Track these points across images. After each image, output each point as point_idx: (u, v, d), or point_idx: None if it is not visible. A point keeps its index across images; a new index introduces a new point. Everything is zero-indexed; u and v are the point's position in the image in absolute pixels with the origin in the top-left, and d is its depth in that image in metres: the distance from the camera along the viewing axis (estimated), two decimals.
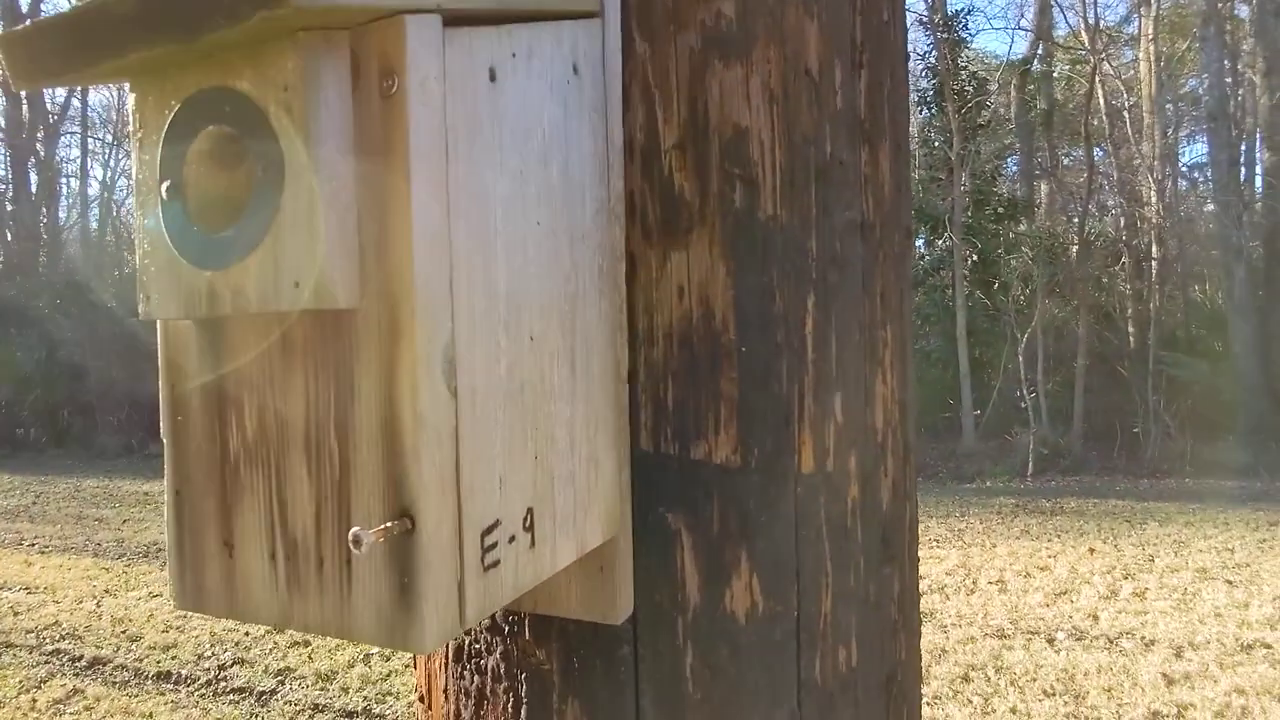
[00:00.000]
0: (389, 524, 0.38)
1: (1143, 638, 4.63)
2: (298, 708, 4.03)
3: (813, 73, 0.62)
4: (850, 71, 0.65)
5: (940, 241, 13.67)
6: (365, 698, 4.14)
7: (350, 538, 0.37)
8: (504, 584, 0.45)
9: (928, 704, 3.95)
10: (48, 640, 4.90)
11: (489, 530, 0.43)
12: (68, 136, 21.31)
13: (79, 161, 22.00)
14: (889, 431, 0.69)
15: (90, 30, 0.37)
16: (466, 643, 0.67)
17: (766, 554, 0.62)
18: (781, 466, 0.62)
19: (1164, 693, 3.89)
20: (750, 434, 0.61)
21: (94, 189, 22.12)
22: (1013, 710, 3.80)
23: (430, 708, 0.74)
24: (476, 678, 0.66)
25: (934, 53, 13.57)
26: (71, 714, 3.96)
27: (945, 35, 13.21)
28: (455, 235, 0.41)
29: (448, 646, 0.70)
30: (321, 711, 4.00)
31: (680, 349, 0.60)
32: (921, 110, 14.62)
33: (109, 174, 22.11)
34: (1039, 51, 15.38)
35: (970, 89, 13.52)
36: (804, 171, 0.62)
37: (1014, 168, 16.05)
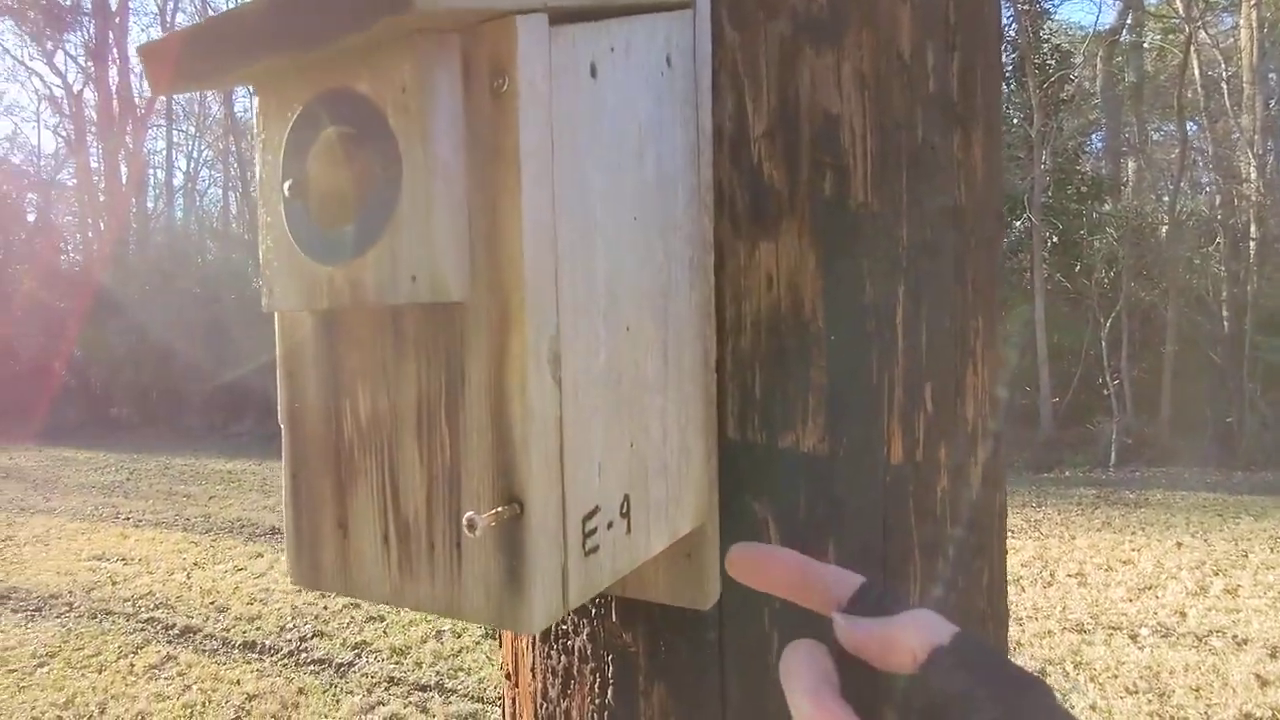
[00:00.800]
0: (500, 509, 0.39)
1: (1234, 636, 4.42)
2: (374, 680, 4.20)
3: (905, 56, 0.61)
4: (944, 54, 0.63)
5: (1018, 223, 13.19)
6: (438, 672, 4.28)
7: (465, 521, 0.38)
8: (603, 568, 0.46)
9: None
10: (143, 609, 5.21)
11: (589, 516, 0.45)
12: (154, 129, 22.36)
13: (165, 153, 23.10)
14: (979, 421, 0.68)
15: (223, 40, 0.40)
16: (554, 624, 0.69)
17: (854, 543, 0.61)
18: (870, 456, 0.62)
19: (1257, 694, 3.71)
20: (839, 423, 0.61)
21: (178, 179, 23.18)
22: (1093, 707, 3.68)
23: (517, 685, 0.76)
24: (564, 657, 0.68)
25: (1014, 25, 13.03)
26: (165, 679, 4.21)
27: (1026, 7, 12.66)
28: (560, 229, 0.42)
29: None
30: (396, 684, 4.16)
31: (769, 338, 0.60)
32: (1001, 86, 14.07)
33: (192, 165, 23.13)
34: (1128, 21, 14.61)
35: (1053, 63, 12.93)
36: (895, 158, 0.61)
37: (1099, 144, 15.34)
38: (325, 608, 5.14)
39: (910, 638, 0.34)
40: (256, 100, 0.45)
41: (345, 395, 0.45)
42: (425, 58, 0.39)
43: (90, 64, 20.55)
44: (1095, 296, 12.13)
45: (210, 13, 21.51)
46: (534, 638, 0.72)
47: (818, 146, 0.59)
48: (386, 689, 4.11)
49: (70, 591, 5.54)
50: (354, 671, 4.30)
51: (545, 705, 0.71)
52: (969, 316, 0.66)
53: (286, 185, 0.42)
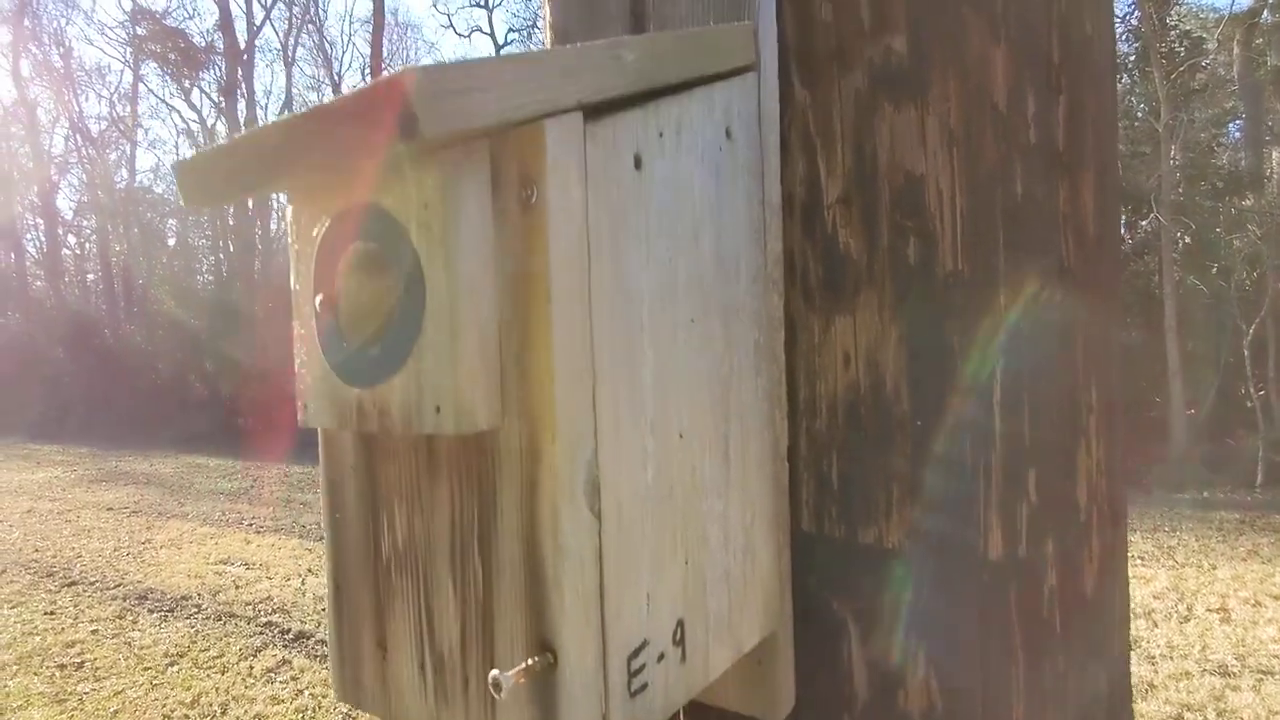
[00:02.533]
0: (530, 661, 0.36)
1: None
2: None
3: (999, 105, 0.54)
4: (1046, 98, 0.56)
5: (1144, 223, 12.30)
6: None
7: (490, 681, 0.35)
8: (653, 707, 0.42)
9: None
10: (262, 613, 5.50)
11: (636, 653, 0.41)
12: None
13: None
14: (1094, 507, 0.60)
15: (245, 160, 0.38)
16: None
17: (947, 649, 0.55)
18: (965, 552, 0.55)
19: None
20: (928, 516, 0.55)
21: None
22: None
23: None
24: None
25: (1136, 13, 12.21)
26: (281, 682, 4.42)
27: None
28: (598, 342, 0.38)
29: None
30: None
31: (846, 421, 0.55)
32: (1122, 78, 13.22)
33: None
34: (1269, 0, 13.41)
35: (1181, 50, 12.01)
36: (989, 218, 0.54)
37: (1236, 135, 14.13)
38: None
39: None
40: (289, 210, 0.44)
41: (384, 511, 0.44)
42: (450, 170, 0.36)
43: (221, 99, 22.22)
44: (1235, 300, 11.14)
45: (325, 47, 22.84)
46: None
47: (899, 210, 0.54)
48: None
49: (199, 594, 5.92)
50: None
51: None
52: (1080, 390, 0.59)
53: (317, 299, 0.41)
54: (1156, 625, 4.92)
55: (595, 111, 0.38)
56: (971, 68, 0.54)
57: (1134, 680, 4.09)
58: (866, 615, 0.55)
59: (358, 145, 0.33)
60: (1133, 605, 5.22)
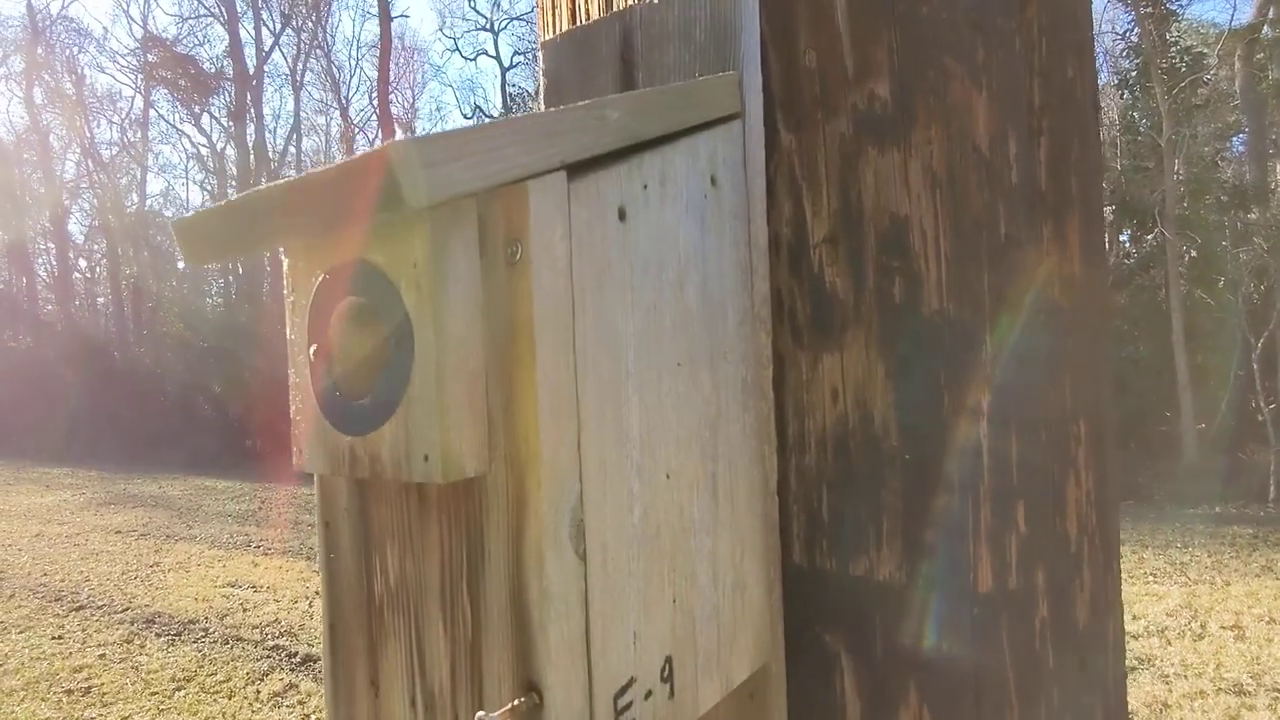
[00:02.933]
0: (516, 702, 0.37)
1: None
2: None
3: (982, 148, 0.56)
4: (1028, 141, 0.57)
5: (1150, 237, 12.28)
6: None
7: None
8: None
9: None
10: (269, 636, 5.49)
11: (622, 691, 0.42)
12: (284, 179, 24.10)
13: None
14: (1084, 539, 0.60)
15: (244, 219, 0.40)
16: None
17: (940, 682, 0.56)
18: (955, 585, 0.56)
19: None
20: (917, 549, 0.55)
21: None
22: None
23: None
24: None
25: (1136, 29, 12.26)
26: (287, 706, 4.41)
27: (1150, 9, 11.89)
28: (584, 391, 0.39)
29: None
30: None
31: (836, 456, 0.56)
32: (1123, 94, 13.24)
33: None
34: (1269, 15, 13.46)
35: (1183, 65, 12.05)
36: (974, 259, 0.56)
37: (1240, 149, 14.13)
38: None
39: None
40: (286, 263, 0.45)
41: (376, 552, 0.45)
42: (439, 229, 0.38)
43: (231, 124, 22.49)
44: (1243, 313, 11.10)
45: (333, 72, 23.13)
46: None
47: (884, 250, 0.55)
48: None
49: (206, 617, 5.91)
50: None
51: None
52: (1068, 422, 0.60)
53: (311, 350, 0.42)
54: (1170, 643, 4.87)
55: (579, 168, 0.40)
56: (953, 112, 0.55)
57: (1148, 699, 4.04)
58: (859, 647, 0.56)
59: (348, 211, 0.34)
60: (1145, 623, 5.17)
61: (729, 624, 0.50)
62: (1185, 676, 4.39)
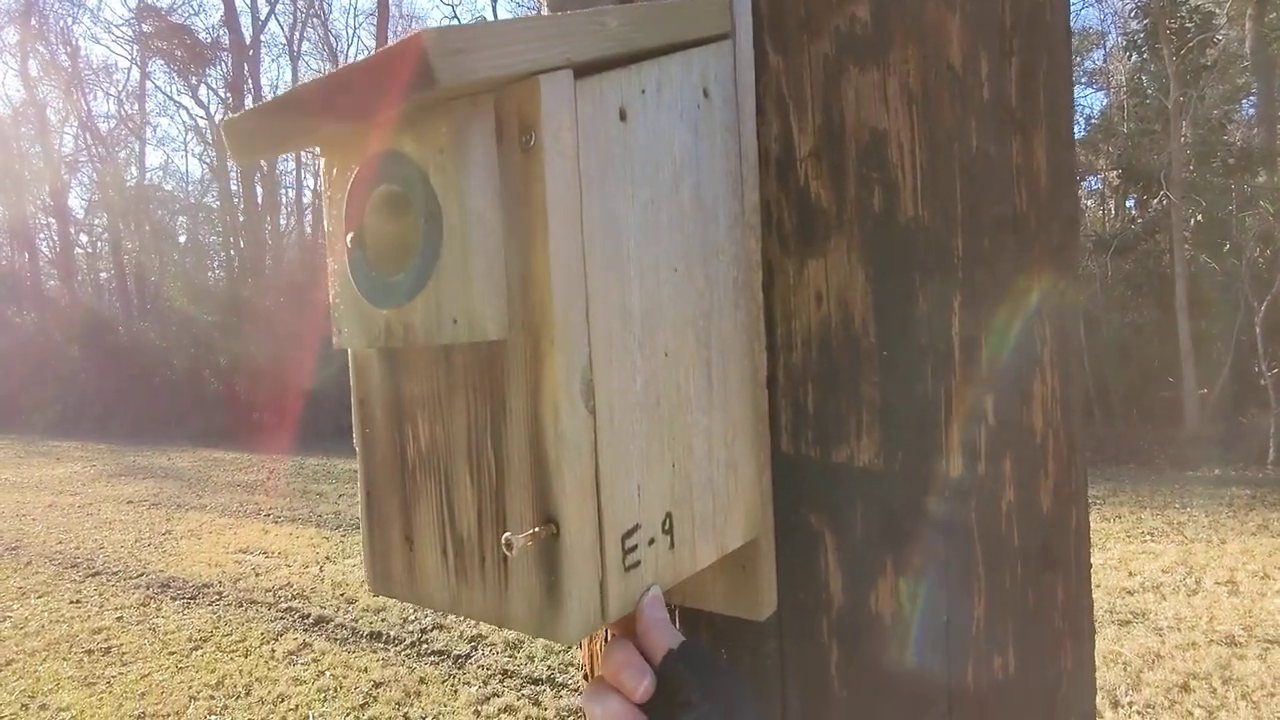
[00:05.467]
0: (536, 529, 0.43)
1: None
2: (489, 672, 4.37)
3: (955, 67, 0.60)
4: (999, 61, 0.62)
5: (1155, 201, 12.22)
6: (549, 667, 4.41)
7: (503, 542, 0.42)
8: (644, 582, 0.49)
9: (1138, 713, 3.61)
10: (282, 599, 5.62)
11: (629, 534, 0.47)
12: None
13: (294, 173, 24.75)
14: (1049, 433, 0.66)
15: (287, 115, 0.45)
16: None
17: (914, 557, 0.61)
18: (928, 470, 0.61)
19: None
20: (894, 437, 0.61)
21: (307, 197, 24.77)
22: None
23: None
24: None
25: None
26: (302, 664, 4.53)
27: None
28: (591, 267, 0.44)
29: (607, 630, 0.75)
30: (510, 677, 4.32)
31: (820, 354, 0.61)
32: (1131, 56, 13.10)
33: (319, 182, 24.66)
34: None
35: (1191, 26, 11.88)
36: (947, 169, 0.60)
37: (1249, 112, 13.99)
38: None
39: (656, 639, 0.50)
40: (322, 160, 0.50)
41: (407, 423, 0.50)
42: (460, 120, 0.43)
43: (229, 94, 22.34)
44: (1247, 279, 11.08)
45: (330, 41, 22.90)
46: (607, 639, 0.75)
47: (864, 163, 0.60)
48: (501, 681, 4.28)
49: (220, 581, 6.04)
50: (471, 663, 4.49)
51: None
52: (1035, 325, 0.65)
53: (349, 237, 0.47)
54: (1164, 598, 4.97)
55: (584, 70, 0.44)
56: (928, 33, 0.60)
57: (1141, 649, 4.13)
58: (840, 527, 0.61)
59: (382, 97, 0.39)
60: (1141, 579, 5.27)
61: (723, 496, 0.56)
62: (1178, 629, 4.49)
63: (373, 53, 0.39)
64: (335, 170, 0.49)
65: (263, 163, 21.76)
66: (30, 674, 4.51)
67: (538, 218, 0.42)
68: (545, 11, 0.70)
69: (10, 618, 5.44)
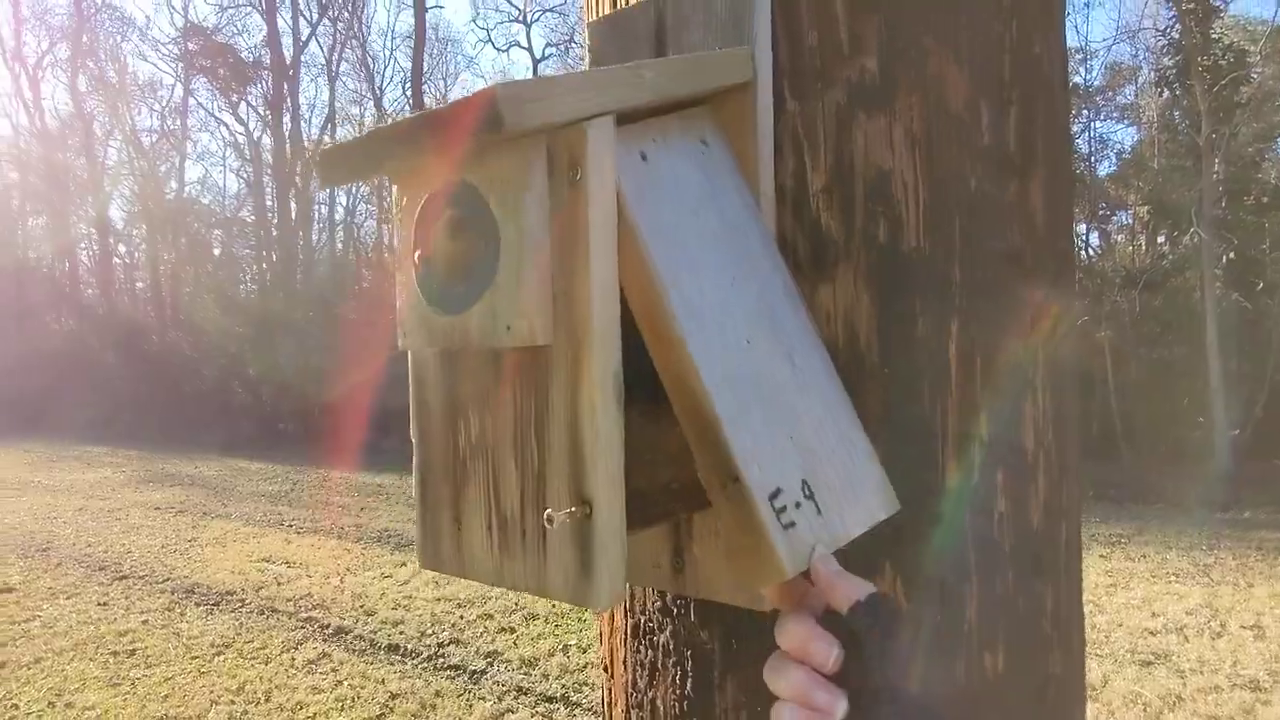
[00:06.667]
0: (573, 509, 0.49)
1: None
2: (504, 688, 4.41)
3: (957, 114, 0.66)
4: (998, 109, 0.68)
5: (1186, 238, 12.12)
6: (564, 685, 4.44)
7: (545, 517, 0.49)
8: (805, 543, 0.53)
9: None
10: (302, 608, 5.70)
11: (774, 496, 0.52)
12: None
13: (328, 191, 25.25)
14: (1040, 452, 0.71)
15: (373, 148, 0.53)
16: (641, 621, 0.78)
17: (911, 559, 0.67)
18: (926, 481, 0.67)
19: None
20: (895, 448, 0.66)
21: (339, 214, 25.27)
22: None
23: (612, 677, 0.85)
24: (650, 652, 0.77)
25: (1177, 26, 12.07)
26: (321, 673, 4.59)
27: (1192, 5, 11.70)
28: (663, 267, 0.52)
29: (626, 624, 0.81)
30: (525, 694, 4.35)
31: None
32: (1163, 91, 13.07)
33: (351, 200, 25.16)
34: None
35: (1225, 63, 11.84)
36: (947, 206, 0.66)
37: None
38: (461, 617, 5.45)
39: (844, 589, 0.51)
40: (395, 189, 0.58)
41: (460, 417, 0.57)
42: (520, 157, 0.50)
43: (268, 112, 22.95)
44: None
45: (368, 63, 23.45)
46: (626, 634, 0.81)
47: (871, 198, 0.66)
48: (516, 698, 4.31)
49: (242, 589, 6.14)
50: (486, 679, 4.53)
51: (635, 694, 0.79)
52: (1027, 353, 0.70)
53: (416, 254, 0.55)
54: (1188, 640, 4.90)
55: (620, 120, 0.52)
56: (931, 83, 0.66)
57: (1162, 691, 4.06)
58: None
59: (457, 136, 0.46)
60: (1164, 620, 5.20)
61: (850, 469, 0.59)
62: (1201, 672, 4.43)
63: (453, 101, 0.46)
64: (406, 198, 0.56)
65: (297, 179, 22.29)
66: (58, 672, 4.62)
67: (581, 241, 0.49)
68: (587, 52, 0.78)
69: (40, 617, 5.57)
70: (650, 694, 0.77)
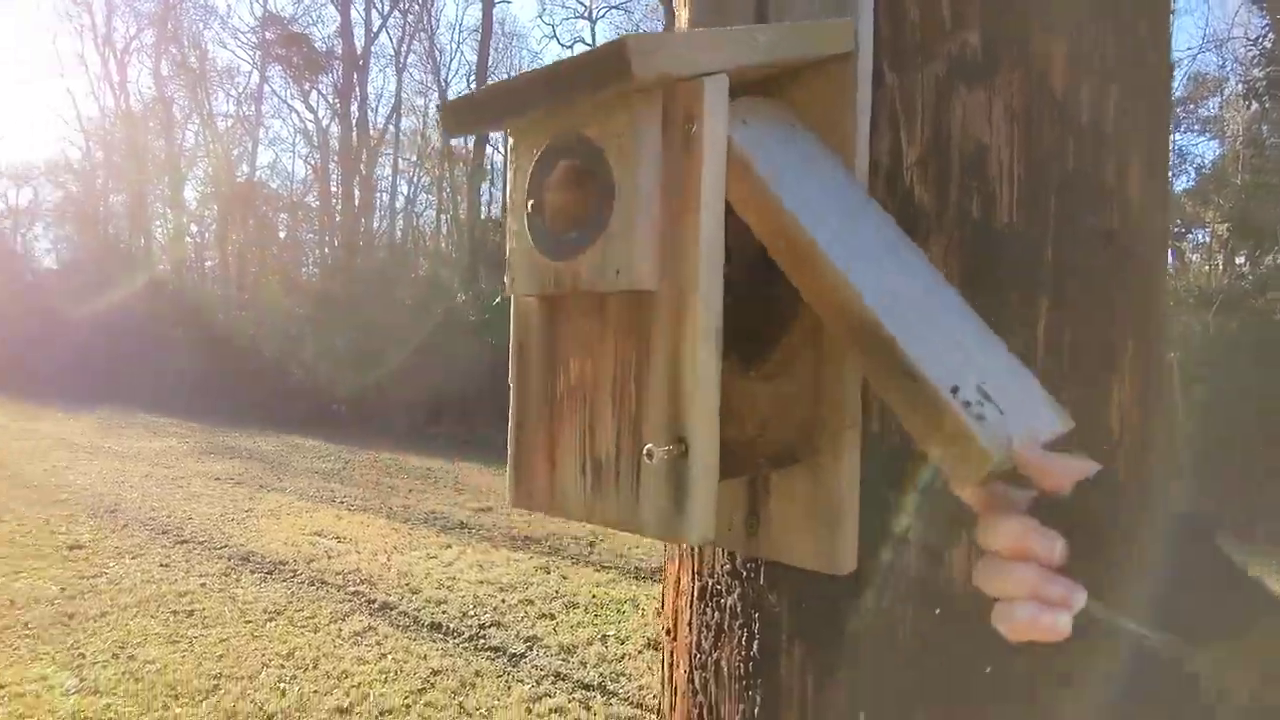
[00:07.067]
0: (670, 447, 0.51)
1: None
2: (542, 672, 4.46)
3: (1056, 93, 0.66)
4: (1099, 90, 0.68)
5: (1269, 258, 11.60)
6: (601, 674, 4.47)
7: (645, 452, 0.51)
8: (998, 435, 0.50)
9: None
10: (350, 582, 5.85)
11: (954, 391, 0.51)
12: (383, 157, 25.13)
13: (390, 179, 25.84)
14: (1124, 435, 0.71)
15: (500, 100, 0.56)
16: (709, 584, 0.80)
17: None
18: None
19: None
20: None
21: (399, 202, 25.80)
22: None
23: (675, 639, 0.87)
24: (716, 614, 0.78)
25: (1270, 35, 11.54)
26: (366, 645, 4.71)
27: None
28: (805, 212, 0.54)
29: (694, 587, 0.83)
30: (563, 679, 4.40)
31: None
32: (1250, 104, 12.52)
33: (411, 189, 25.68)
34: None
35: None
36: (1042, 184, 0.66)
37: None
38: (503, 601, 5.53)
39: (1062, 468, 0.49)
40: (511, 141, 0.60)
41: (559, 361, 0.59)
42: (637, 111, 0.52)
43: (337, 101, 23.56)
44: None
45: (434, 55, 23.89)
46: (693, 596, 0.82)
47: (967, 173, 0.66)
48: (553, 682, 4.36)
49: (295, 560, 6.33)
50: (525, 662, 4.60)
51: (699, 656, 0.81)
52: (1119, 335, 0.70)
53: (530, 203, 0.57)
54: None
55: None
56: (1034, 60, 0.66)
57: None
58: (922, 505, 0.67)
59: (584, 87, 0.49)
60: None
61: (1020, 385, 0.55)
62: None
63: (575, 55, 0.49)
64: (523, 149, 0.59)
65: (361, 167, 22.83)
66: (122, 626, 4.83)
67: (692, 193, 0.51)
68: (684, 19, 0.79)
69: (106, 574, 5.83)
70: (715, 655, 0.79)
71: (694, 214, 0.51)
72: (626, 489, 0.55)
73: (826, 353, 0.64)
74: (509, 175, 0.60)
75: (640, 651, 4.74)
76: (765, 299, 0.63)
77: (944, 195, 0.67)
